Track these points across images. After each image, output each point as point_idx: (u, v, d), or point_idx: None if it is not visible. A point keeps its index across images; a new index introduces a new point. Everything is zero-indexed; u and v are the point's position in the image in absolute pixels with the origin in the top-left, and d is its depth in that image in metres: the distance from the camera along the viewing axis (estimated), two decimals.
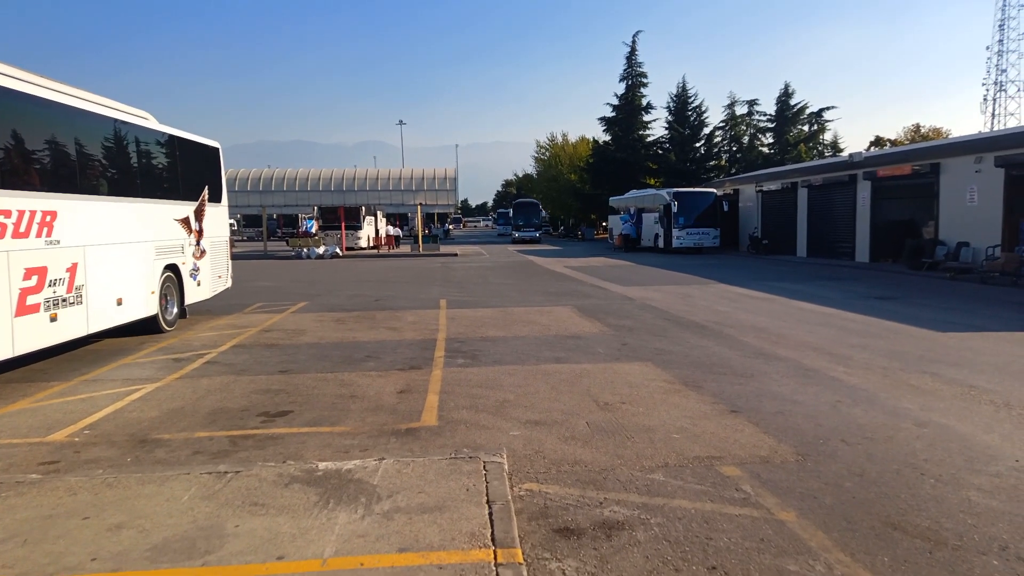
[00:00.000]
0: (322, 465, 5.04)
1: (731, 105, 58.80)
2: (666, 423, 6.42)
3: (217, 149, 14.51)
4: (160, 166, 12.22)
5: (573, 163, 66.05)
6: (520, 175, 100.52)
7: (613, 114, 57.95)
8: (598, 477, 5.10)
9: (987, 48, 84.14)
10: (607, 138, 58.82)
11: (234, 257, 16.72)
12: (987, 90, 77.90)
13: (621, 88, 57.78)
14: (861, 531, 4.20)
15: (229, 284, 15.12)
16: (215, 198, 14.16)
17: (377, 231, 44.53)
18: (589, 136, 68.35)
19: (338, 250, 36.61)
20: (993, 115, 74.68)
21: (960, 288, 18.47)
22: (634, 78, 57.32)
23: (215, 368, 9.00)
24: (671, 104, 57.58)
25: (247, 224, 65.08)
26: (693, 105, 57.21)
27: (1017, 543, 4.03)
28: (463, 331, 11.67)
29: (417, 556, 3.66)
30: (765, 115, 58.00)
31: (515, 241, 53.08)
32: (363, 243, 41.22)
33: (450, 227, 74.18)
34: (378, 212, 44.98)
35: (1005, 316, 13.27)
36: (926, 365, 8.84)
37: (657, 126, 58.89)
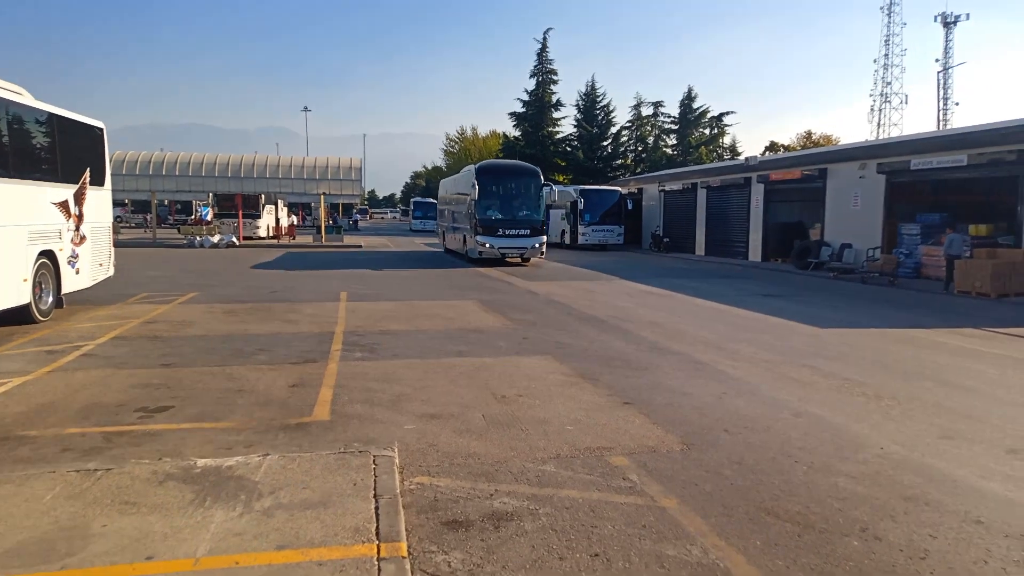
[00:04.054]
0: (201, 462, 4.81)
1: (637, 106, 60.42)
2: (561, 415, 6.50)
3: (101, 129, 13.64)
4: (36, 146, 11.36)
5: (483, 157, 66.15)
6: (429, 167, 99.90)
7: (523, 110, 58.40)
8: (491, 469, 5.11)
9: (874, 61, 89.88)
10: (517, 133, 59.26)
11: (119, 244, 15.79)
12: (874, 101, 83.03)
13: (532, 84, 58.37)
14: (736, 516, 4.39)
15: (111, 272, 14.25)
16: (98, 181, 13.29)
17: (277, 220, 43.16)
18: (499, 131, 68.79)
19: (235, 239, 35.22)
20: (879, 125, 79.66)
21: (842, 287, 19.65)
22: (544, 75, 57.96)
23: (92, 361, 8.45)
24: (580, 102, 58.57)
25: (136, 210, 61.71)
26: (601, 104, 58.41)
27: (876, 524, 4.31)
28: (363, 324, 11.45)
29: (296, 553, 3.54)
30: (669, 117, 59.90)
31: (475, 260, 25.24)
32: (262, 232, 39.85)
33: (358, 218, 72.70)
34: (279, 201, 43.57)
35: (881, 313, 14.21)
36: (806, 359, 9.34)
37: (566, 123, 59.70)
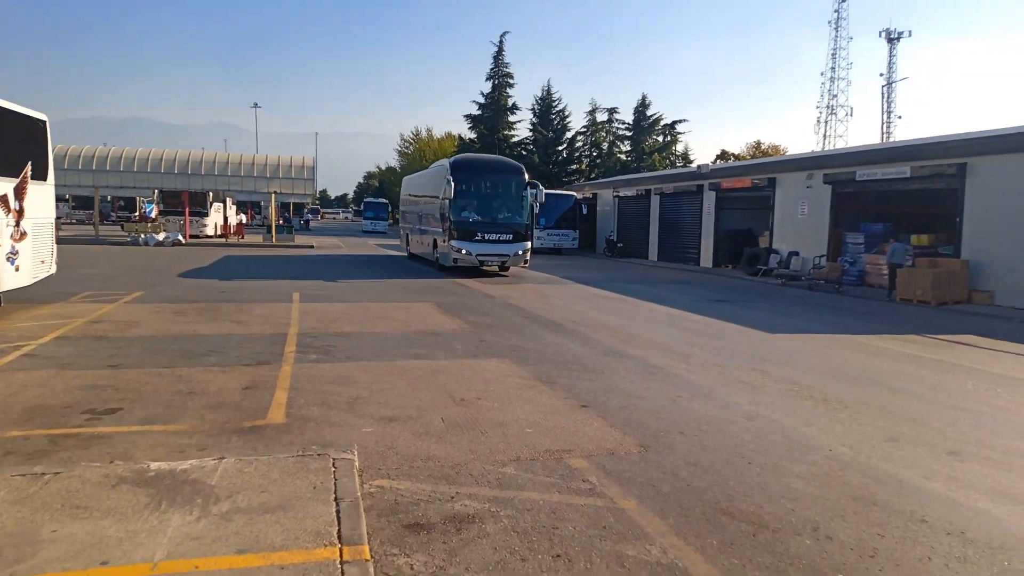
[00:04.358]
0: (154, 465, 4.69)
1: (592, 112, 60.89)
2: (520, 418, 6.53)
3: (44, 122, 13.15)
4: None
5: (437, 159, 65.83)
6: (383, 168, 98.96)
7: (479, 112, 58.38)
8: (451, 472, 5.10)
9: (821, 74, 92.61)
10: (472, 136, 59.16)
11: (61, 241, 15.25)
12: (820, 113, 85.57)
13: (488, 87, 58.37)
14: (693, 517, 4.48)
15: (54, 270, 13.75)
16: (40, 176, 12.81)
17: (226, 219, 42.27)
18: (455, 133, 68.64)
19: (180, 237, 34.33)
20: (825, 136, 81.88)
21: (790, 293, 20.19)
22: (500, 78, 58.06)
23: (34, 361, 8.14)
24: (536, 107, 58.78)
25: (77, 206, 59.70)
26: (557, 109, 58.71)
27: (827, 523, 4.45)
28: (316, 326, 11.30)
29: (257, 557, 3.48)
30: (623, 124, 60.51)
31: (448, 268, 22.15)
32: (209, 231, 38.94)
33: (309, 217, 71.68)
34: (228, 199, 42.69)
35: (827, 320, 14.64)
36: (757, 363, 9.57)
37: (522, 127, 59.81)
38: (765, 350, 10.65)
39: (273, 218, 39.49)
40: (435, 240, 23.37)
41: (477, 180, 22.37)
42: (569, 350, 10.02)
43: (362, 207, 72.93)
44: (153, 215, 37.65)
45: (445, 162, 23.71)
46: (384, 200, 69.50)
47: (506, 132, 58.12)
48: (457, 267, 21.94)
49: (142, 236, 32.96)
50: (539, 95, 58.91)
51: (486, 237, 21.55)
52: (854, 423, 6.81)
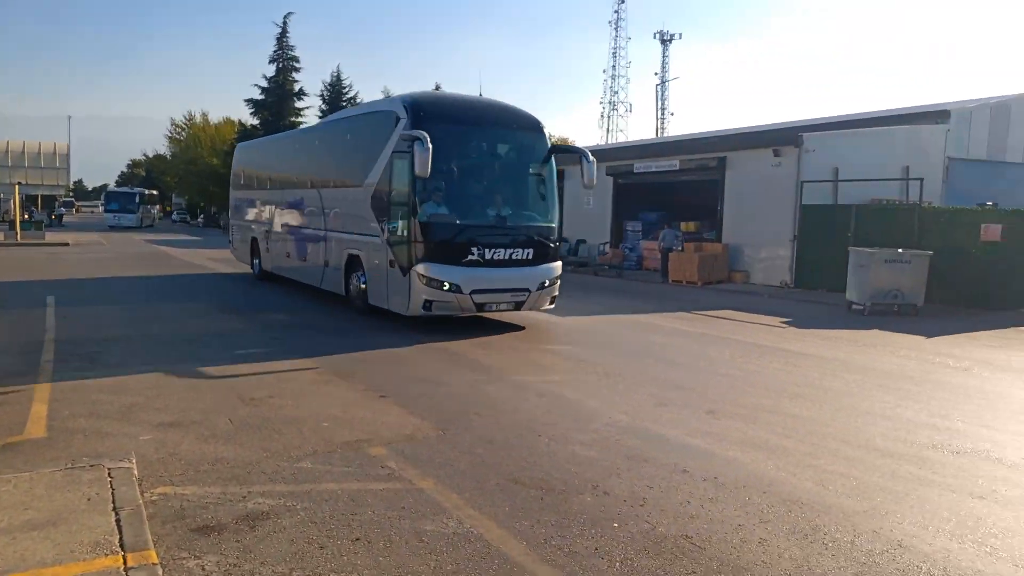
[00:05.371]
0: None
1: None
2: (316, 413, 6.42)
3: None
4: None
5: (216, 146, 61.50)
6: (151, 155, 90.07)
7: (262, 97, 55.34)
8: (242, 472, 4.92)
9: (604, 72, 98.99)
10: (255, 122, 55.97)
11: None
12: (604, 108, 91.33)
13: (271, 71, 55.50)
14: (488, 489, 4.74)
15: None
16: None
17: None
18: (235, 118, 64.42)
19: None
20: (608, 130, 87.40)
21: (578, 279, 21.50)
22: (285, 61, 55.46)
23: None
24: (325, 93, 56.89)
25: None
26: (348, 96, 57.26)
27: (605, 481, 4.92)
28: (79, 332, 10.18)
29: (26, 575, 3.16)
30: None
31: (401, 320, 11.10)
32: None
33: (63, 211, 63.73)
34: None
35: (610, 302, 15.87)
36: (549, 344, 10.19)
37: (311, 114, 57.39)
38: (556, 332, 11.35)
39: (17, 213, 34.60)
40: (355, 257, 12.47)
41: (463, 143, 11.43)
42: (367, 343, 9.96)
43: (103, 199, 62.91)
44: None
45: (390, 104, 12.10)
46: (136, 190, 61.70)
47: (293, 119, 55.68)
48: (433, 317, 10.99)
49: None
50: (329, 81, 57.19)
51: (487, 256, 10.84)
52: (631, 392, 7.51)
